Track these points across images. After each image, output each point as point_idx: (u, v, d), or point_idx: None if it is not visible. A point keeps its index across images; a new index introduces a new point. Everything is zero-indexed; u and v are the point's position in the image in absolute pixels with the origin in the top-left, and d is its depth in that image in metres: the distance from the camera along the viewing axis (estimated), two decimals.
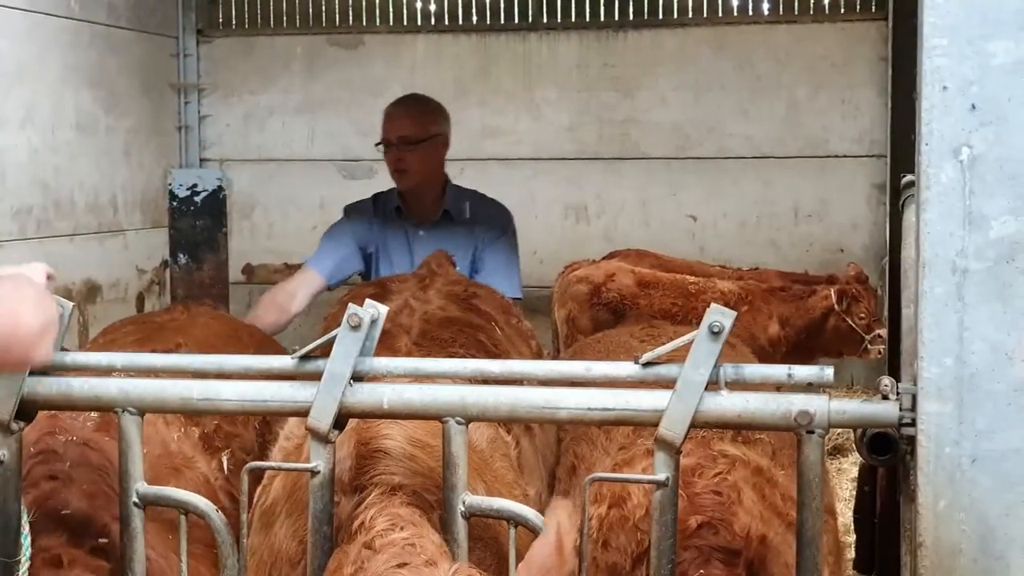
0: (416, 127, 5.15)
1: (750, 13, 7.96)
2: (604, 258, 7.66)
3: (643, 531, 2.40)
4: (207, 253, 8.39)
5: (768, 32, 7.89)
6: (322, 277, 5.26)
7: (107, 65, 7.66)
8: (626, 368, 2.16)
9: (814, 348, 6.79)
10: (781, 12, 7.90)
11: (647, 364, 2.13)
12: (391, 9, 8.39)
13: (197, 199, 8.34)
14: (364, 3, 8.39)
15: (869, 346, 6.62)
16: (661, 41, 8.03)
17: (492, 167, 8.27)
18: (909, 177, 4.39)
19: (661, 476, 2.10)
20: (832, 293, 6.88)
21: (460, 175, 8.29)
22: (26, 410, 2.37)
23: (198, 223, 8.34)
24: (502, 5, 8.21)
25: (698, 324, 6.93)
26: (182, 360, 2.41)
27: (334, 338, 2.26)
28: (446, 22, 8.31)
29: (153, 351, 3.25)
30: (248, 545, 2.32)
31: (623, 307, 6.80)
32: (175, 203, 8.31)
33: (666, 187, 8.04)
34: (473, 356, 2.94)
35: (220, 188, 8.41)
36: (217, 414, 2.86)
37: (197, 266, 8.37)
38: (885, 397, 2.09)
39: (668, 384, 2.10)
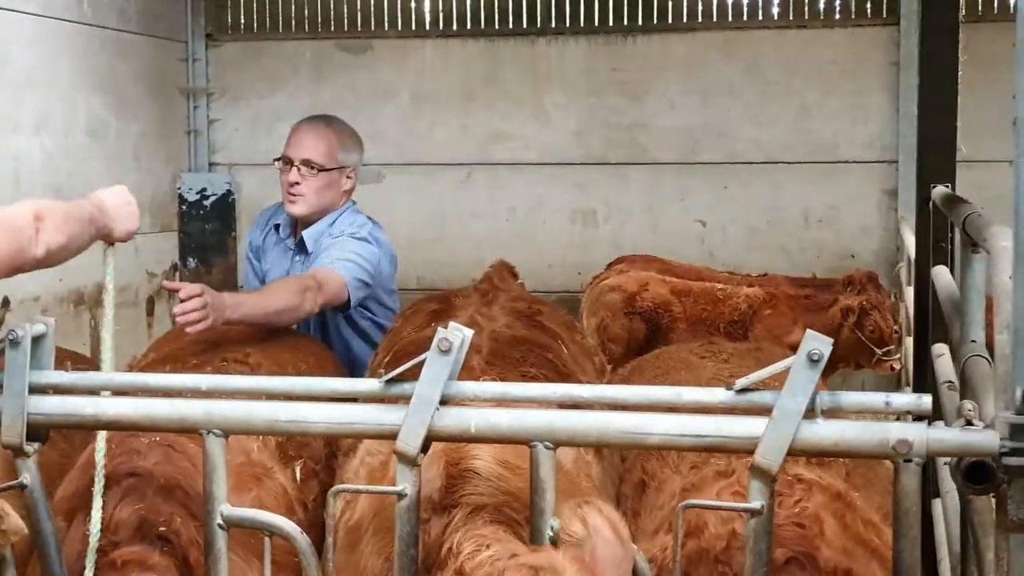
0: (324, 153, 4.65)
1: (759, 17, 7.97)
2: (612, 264, 7.68)
3: (723, 563, 2.40)
4: (216, 257, 8.37)
5: (777, 37, 7.90)
6: None
7: (117, 70, 7.63)
8: (719, 394, 2.17)
9: (834, 359, 6.80)
10: (791, 17, 7.92)
11: (741, 390, 2.13)
12: (399, 14, 8.37)
13: (206, 203, 8.32)
14: (372, 8, 8.37)
15: (883, 358, 6.65)
16: (669, 46, 8.04)
17: (500, 172, 8.28)
18: (942, 189, 4.43)
19: (756, 504, 2.10)
20: (838, 311, 6.93)
21: (467, 179, 8.35)
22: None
23: (207, 227, 8.32)
24: (510, 9, 8.20)
25: (726, 330, 6.92)
26: (269, 383, 2.40)
27: (421, 361, 2.26)
28: (454, 27, 8.30)
29: (223, 359, 3.24)
30: (333, 564, 2.31)
31: (656, 315, 6.84)
32: (184, 207, 8.29)
33: (674, 192, 8.05)
34: (544, 375, 2.93)
35: (229, 192, 8.39)
36: (304, 436, 2.84)
37: (207, 270, 8.34)
38: (969, 422, 2.10)
39: (762, 411, 2.11)
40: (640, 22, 8.06)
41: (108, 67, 7.53)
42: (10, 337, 2.37)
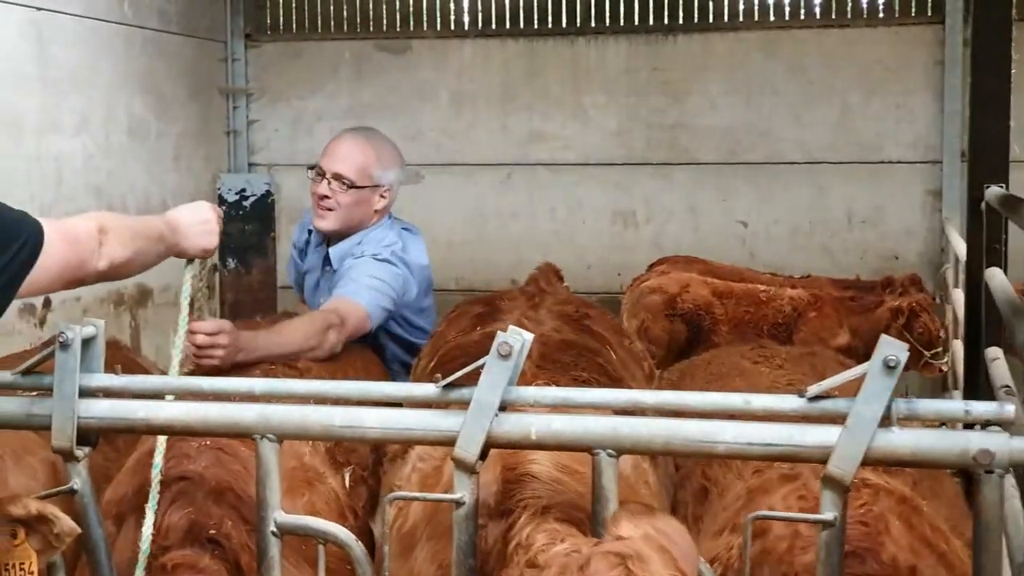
0: (358, 170, 4.32)
1: (802, 17, 7.86)
2: (653, 265, 7.60)
3: (787, 564, 2.32)
4: (256, 257, 8.35)
5: (820, 36, 7.80)
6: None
7: (158, 70, 7.62)
8: (790, 401, 2.08)
9: None
10: (834, 16, 7.81)
11: (813, 398, 2.05)
12: (439, 14, 8.32)
13: (246, 204, 8.29)
14: (412, 8, 8.33)
15: (931, 361, 6.53)
16: (711, 45, 7.95)
17: (539, 172, 8.22)
18: (996, 189, 4.32)
19: (829, 515, 2.02)
20: (887, 311, 6.83)
21: (507, 180, 8.28)
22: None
23: (247, 228, 8.30)
24: (550, 9, 8.13)
25: (769, 332, 6.78)
26: (323, 387, 2.34)
27: (480, 366, 2.19)
28: (493, 27, 8.24)
29: (272, 364, 3.19)
30: (388, 573, 2.25)
31: (698, 317, 6.75)
32: (224, 207, 8.25)
33: (716, 193, 7.96)
34: (596, 380, 2.84)
35: (268, 193, 8.36)
36: (359, 441, 2.77)
37: (246, 270, 8.32)
38: None
39: (835, 419, 2.03)
40: (681, 21, 7.97)
41: (148, 68, 7.52)
42: (60, 339, 2.32)
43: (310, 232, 4.66)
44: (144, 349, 7.56)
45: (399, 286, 4.21)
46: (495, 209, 8.23)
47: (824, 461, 2.03)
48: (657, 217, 8.05)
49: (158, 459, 2.49)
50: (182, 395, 2.40)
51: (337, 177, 4.30)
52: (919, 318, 6.62)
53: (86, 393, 2.34)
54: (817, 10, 7.83)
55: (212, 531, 2.49)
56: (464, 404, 2.20)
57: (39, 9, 6.50)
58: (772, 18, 7.92)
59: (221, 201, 8.27)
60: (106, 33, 7.10)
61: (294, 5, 8.44)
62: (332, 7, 8.39)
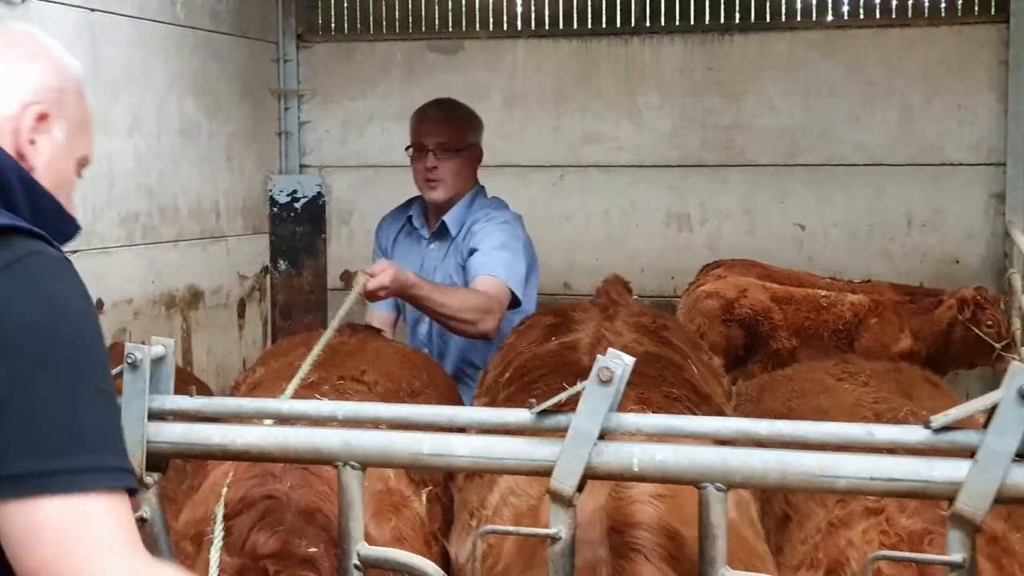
0: (456, 134, 4.67)
1: (861, 16, 7.65)
2: (707, 267, 7.43)
3: None
4: (307, 259, 8.23)
5: (880, 36, 7.58)
6: (390, 312, 4.89)
7: (209, 71, 7.51)
8: (915, 433, 1.92)
9: (946, 361, 6.53)
10: (894, 15, 7.59)
11: (940, 429, 1.89)
12: (491, 14, 8.17)
13: (297, 205, 8.18)
14: (464, 8, 8.18)
15: (1004, 354, 6.31)
16: (769, 45, 7.75)
17: (592, 174, 8.05)
18: None
19: (958, 557, 1.86)
20: (955, 302, 6.63)
21: (560, 182, 8.12)
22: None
23: (298, 229, 8.18)
24: (604, 9, 7.96)
25: (830, 337, 6.56)
26: (411, 411, 2.19)
27: (577, 392, 2.04)
28: (546, 27, 8.08)
29: (341, 378, 3.06)
30: None
31: (756, 323, 6.57)
32: (275, 209, 8.15)
33: (773, 195, 7.76)
34: (686, 397, 2.68)
35: (320, 194, 8.24)
36: (447, 470, 2.61)
37: (297, 272, 8.21)
38: None
39: (964, 452, 1.87)
40: (738, 21, 7.78)
41: (200, 68, 7.41)
42: (128, 360, 2.19)
43: (407, 223, 4.93)
44: (195, 351, 7.47)
45: (530, 252, 4.57)
46: (547, 211, 8.06)
47: (952, 498, 1.87)
48: (712, 220, 7.86)
49: (224, 489, 2.35)
50: (260, 418, 2.26)
51: (441, 146, 4.58)
52: (986, 310, 6.41)
53: (155, 416, 2.21)
54: (877, 9, 7.61)
55: (307, 550, 2.35)
56: (560, 432, 2.05)
57: (92, 10, 6.41)
58: (831, 17, 7.72)
59: (273, 203, 8.16)
60: (158, 34, 7.00)
61: (346, 5, 8.31)
62: (384, 7, 8.25)
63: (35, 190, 1.86)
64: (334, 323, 3.22)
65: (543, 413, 2.07)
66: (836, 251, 7.68)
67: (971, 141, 7.44)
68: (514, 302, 4.35)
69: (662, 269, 7.96)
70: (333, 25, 8.35)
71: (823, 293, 6.92)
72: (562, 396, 2.05)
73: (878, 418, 2.80)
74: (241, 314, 7.93)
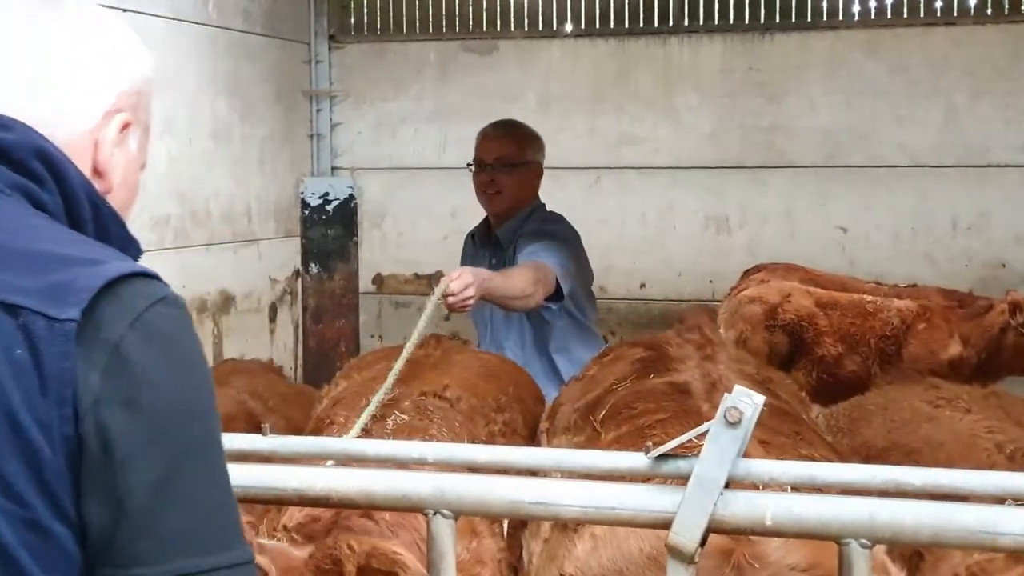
0: (516, 150, 4.83)
1: (905, 15, 7.36)
2: (748, 272, 7.15)
3: None
4: (338, 263, 7.98)
5: (925, 35, 7.30)
6: None
7: (242, 72, 7.27)
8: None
9: (997, 367, 6.24)
10: (939, 14, 7.31)
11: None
12: (526, 13, 7.90)
13: (329, 208, 7.93)
14: (499, 8, 7.91)
15: None
16: (810, 44, 7.47)
17: (629, 176, 7.79)
18: None
19: None
20: (1007, 306, 6.34)
21: (596, 184, 7.85)
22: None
23: (330, 232, 7.93)
24: (642, 8, 7.69)
25: (877, 343, 6.22)
26: (511, 454, 1.93)
27: (700, 435, 1.78)
28: (583, 26, 7.81)
29: (423, 394, 2.81)
30: None
31: (800, 329, 6.27)
32: (307, 212, 7.90)
33: (814, 197, 7.48)
34: (820, 455, 2.37)
35: (352, 197, 7.99)
36: (552, 520, 2.33)
37: (328, 276, 7.96)
38: None
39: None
40: (779, 20, 7.50)
41: (233, 70, 7.17)
42: None
43: (470, 242, 5.07)
44: (226, 355, 7.22)
45: (577, 253, 4.69)
46: (583, 214, 7.71)
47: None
48: (752, 222, 7.59)
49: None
50: (343, 461, 2.00)
51: (499, 160, 4.73)
52: None
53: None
54: (922, 8, 7.33)
55: None
56: (681, 479, 1.78)
57: (124, 11, 6.15)
58: (874, 16, 7.43)
59: (304, 205, 7.91)
60: (191, 35, 6.76)
61: (379, 6, 8.04)
62: (417, 8, 7.99)
63: (104, 212, 1.59)
64: (414, 336, 2.95)
65: (661, 457, 1.81)
66: (879, 255, 7.40)
67: (1018, 142, 7.15)
68: (557, 294, 4.37)
69: (700, 273, 7.70)
70: (366, 25, 8.09)
71: (869, 298, 6.62)
72: (684, 438, 1.79)
73: (1000, 450, 2.54)
74: (272, 318, 7.69)
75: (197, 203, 6.92)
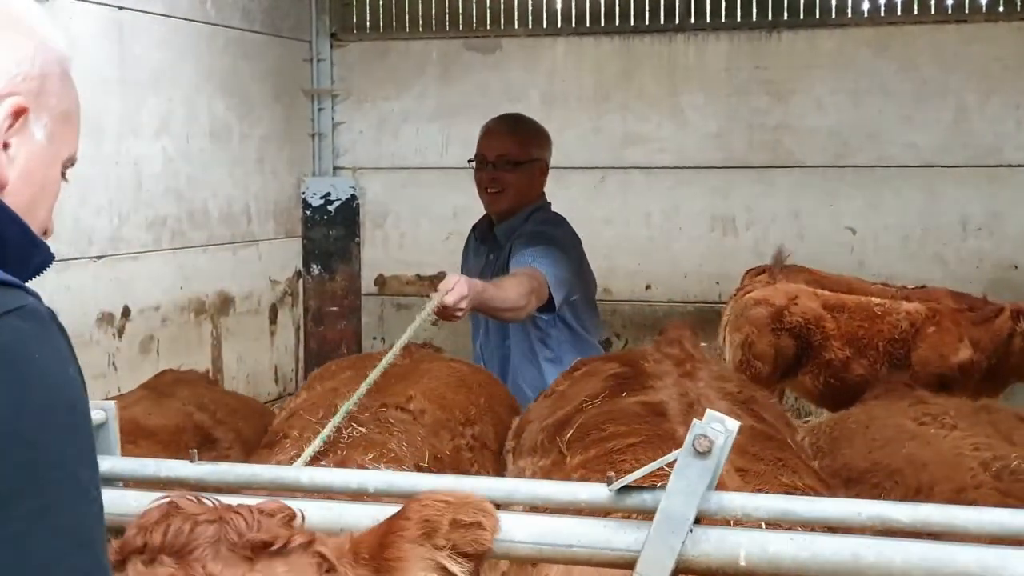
0: (519, 147, 4.54)
1: (915, 12, 7.13)
2: (751, 272, 6.94)
3: None
4: (340, 263, 7.80)
5: (935, 32, 7.07)
6: None
7: (240, 71, 7.09)
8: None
9: (1006, 372, 6.03)
10: (949, 11, 7.07)
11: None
12: (530, 12, 7.69)
13: (330, 208, 7.75)
14: (502, 6, 7.71)
15: None
16: (817, 42, 7.25)
17: (634, 176, 7.58)
18: None
19: None
20: (1011, 316, 6.12)
21: (600, 184, 7.64)
22: None
23: (331, 233, 7.75)
24: (647, 6, 7.48)
25: (885, 347, 5.95)
26: (457, 484, 1.73)
27: (663, 465, 1.58)
28: (587, 24, 7.60)
29: (384, 405, 2.61)
30: None
31: (807, 332, 6.05)
32: (308, 212, 7.72)
33: (822, 198, 7.26)
34: (813, 490, 2.14)
35: (353, 197, 7.80)
36: (508, 559, 2.11)
37: (330, 277, 7.78)
38: None
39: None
40: (786, 17, 7.29)
41: (231, 68, 6.99)
42: None
43: (473, 236, 4.82)
44: (226, 359, 7.05)
45: (576, 260, 4.39)
46: (587, 214, 7.53)
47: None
48: (758, 223, 7.37)
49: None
50: (273, 490, 1.80)
51: (501, 158, 4.47)
52: None
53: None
54: (932, 5, 7.09)
55: None
56: (646, 513, 1.58)
57: (120, 8, 5.99)
58: (883, 14, 7.21)
59: (306, 206, 7.72)
60: (188, 32, 6.58)
61: (381, 4, 7.86)
62: (420, 6, 7.80)
63: None
64: (395, 347, 2.75)
65: (625, 489, 1.61)
66: (887, 256, 7.17)
67: None
68: (549, 303, 4.11)
69: (706, 274, 7.49)
70: (368, 24, 7.90)
71: (877, 301, 6.40)
72: (649, 468, 1.59)
73: (986, 468, 2.33)
74: (273, 320, 7.51)
75: (195, 203, 6.75)
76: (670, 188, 7.51)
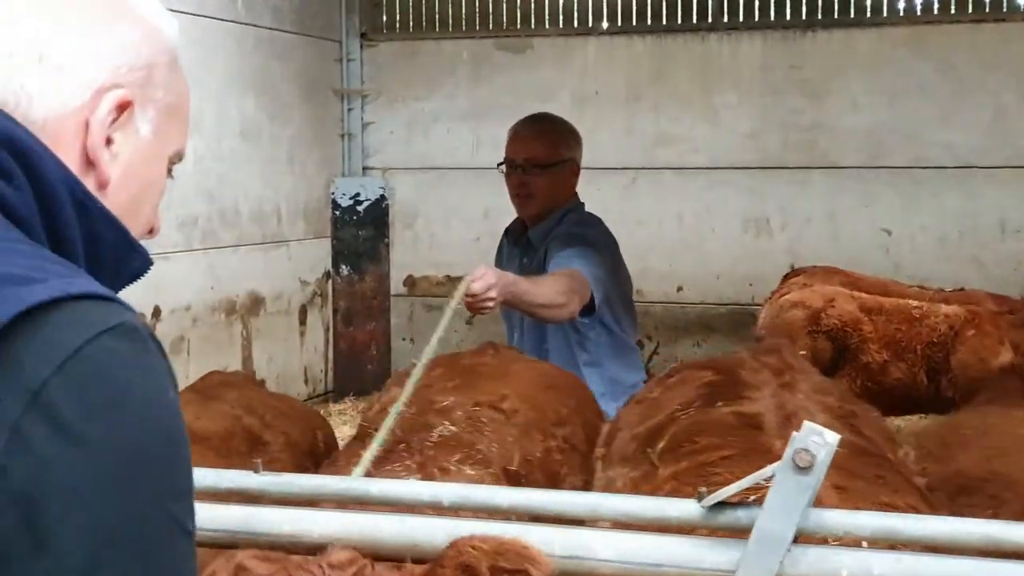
0: (547, 149, 4.40)
1: (952, 11, 7.00)
2: (789, 276, 6.81)
3: None
4: (369, 264, 7.70)
5: (973, 31, 6.94)
6: None
7: (271, 70, 7.01)
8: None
9: None
10: (987, 10, 6.94)
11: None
12: (561, 11, 7.59)
13: (360, 208, 7.65)
14: (533, 5, 7.61)
15: None
16: (853, 41, 7.13)
17: (666, 177, 7.47)
18: None
19: None
20: None
21: (632, 185, 7.53)
22: None
23: (361, 233, 7.66)
24: (680, 4, 7.36)
25: (923, 350, 5.79)
26: (540, 498, 1.63)
27: (762, 480, 1.47)
28: (619, 23, 7.49)
29: (477, 404, 2.54)
30: None
31: (844, 335, 5.93)
32: (338, 212, 7.63)
33: (857, 199, 7.13)
34: (915, 509, 1.99)
35: (383, 197, 7.71)
36: None
37: (359, 277, 7.69)
38: None
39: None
40: (821, 16, 7.17)
41: (262, 67, 6.91)
42: None
43: (506, 240, 4.69)
44: (256, 358, 6.97)
45: (612, 261, 4.30)
46: (619, 215, 7.38)
47: None
48: (793, 224, 7.25)
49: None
50: (342, 502, 1.70)
51: (530, 160, 4.35)
52: None
53: None
54: (970, 4, 6.96)
55: None
56: (741, 532, 1.48)
57: None
58: (919, 12, 7.08)
59: (335, 206, 7.64)
60: (219, 32, 6.51)
61: (411, 3, 7.77)
62: (450, 5, 7.71)
63: (94, 213, 1.25)
64: (433, 340, 2.66)
65: (718, 506, 1.50)
66: (924, 258, 7.04)
67: None
68: (589, 306, 4.01)
69: (739, 276, 7.37)
70: (398, 23, 7.81)
71: (915, 303, 6.27)
72: (744, 483, 1.48)
73: None
74: (302, 321, 7.43)
75: (226, 203, 6.67)
76: (703, 189, 7.39)
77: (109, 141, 1.28)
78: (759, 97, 7.24)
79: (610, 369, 4.32)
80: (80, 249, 1.23)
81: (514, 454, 2.50)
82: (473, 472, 2.25)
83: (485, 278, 3.25)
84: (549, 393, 2.98)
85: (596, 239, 4.34)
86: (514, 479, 2.42)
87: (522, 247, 4.52)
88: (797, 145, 7.20)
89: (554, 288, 3.76)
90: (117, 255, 1.28)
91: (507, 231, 4.73)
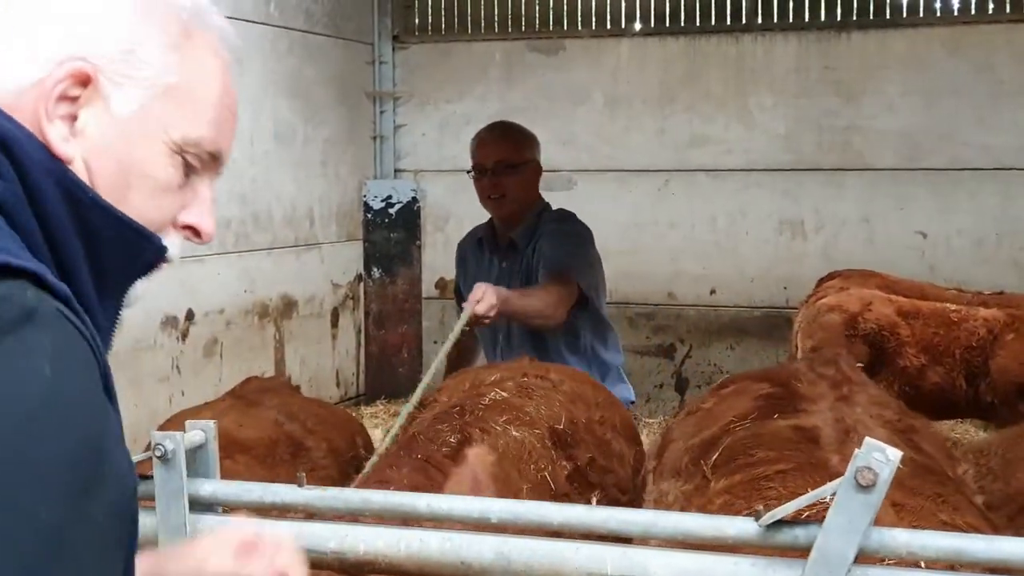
0: (514, 151, 4.70)
1: (990, 11, 6.91)
2: (824, 279, 6.74)
3: None
4: (401, 267, 7.68)
5: (1011, 32, 6.84)
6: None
7: (304, 73, 6.99)
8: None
9: None
10: None
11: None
12: (594, 12, 7.54)
13: (391, 211, 7.63)
14: (565, 6, 7.56)
15: None
16: (888, 42, 7.04)
17: (699, 179, 7.40)
18: None
19: None
20: None
21: (665, 187, 7.48)
22: None
23: (392, 236, 7.63)
24: (713, 5, 7.30)
25: (962, 355, 5.71)
26: (592, 515, 1.59)
27: (823, 498, 1.43)
28: (652, 24, 7.44)
29: (524, 374, 2.68)
30: None
31: (881, 339, 5.86)
32: (369, 215, 7.61)
33: (893, 201, 7.05)
34: (975, 529, 1.92)
35: (415, 200, 7.68)
36: None
37: (391, 280, 7.66)
38: None
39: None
40: (856, 17, 7.08)
41: (295, 70, 6.90)
42: (156, 453, 1.61)
43: (476, 246, 4.93)
44: (288, 361, 6.96)
45: (595, 254, 4.61)
46: (652, 217, 7.44)
47: None
48: (828, 227, 7.17)
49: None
50: (381, 516, 1.67)
51: (500, 163, 4.59)
52: None
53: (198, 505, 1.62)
54: (1008, 3, 6.87)
55: None
56: (800, 551, 1.43)
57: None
58: (956, 13, 6.99)
59: (367, 209, 7.62)
60: (252, 34, 6.49)
61: (443, 5, 7.73)
62: (482, 7, 7.67)
63: (84, 203, 1.15)
64: (440, 354, 2.87)
65: (776, 524, 1.46)
66: (960, 261, 6.95)
67: None
68: (581, 299, 4.41)
69: (773, 279, 7.30)
70: (430, 25, 7.78)
71: (952, 307, 6.18)
72: (803, 500, 1.44)
73: None
74: (334, 323, 7.41)
75: (259, 206, 6.66)
76: (737, 191, 7.32)
77: (73, 118, 1.17)
78: (793, 98, 7.17)
79: (599, 353, 4.62)
80: (77, 241, 1.14)
81: (561, 415, 2.63)
82: (517, 433, 2.36)
83: (487, 299, 3.78)
84: (586, 384, 3.14)
85: (580, 232, 4.66)
86: (560, 437, 2.55)
87: (501, 253, 4.74)
88: (832, 147, 7.13)
89: (543, 300, 4.19)
90: (123, 246, 1.18)
91: (479, 241, 4.94)
